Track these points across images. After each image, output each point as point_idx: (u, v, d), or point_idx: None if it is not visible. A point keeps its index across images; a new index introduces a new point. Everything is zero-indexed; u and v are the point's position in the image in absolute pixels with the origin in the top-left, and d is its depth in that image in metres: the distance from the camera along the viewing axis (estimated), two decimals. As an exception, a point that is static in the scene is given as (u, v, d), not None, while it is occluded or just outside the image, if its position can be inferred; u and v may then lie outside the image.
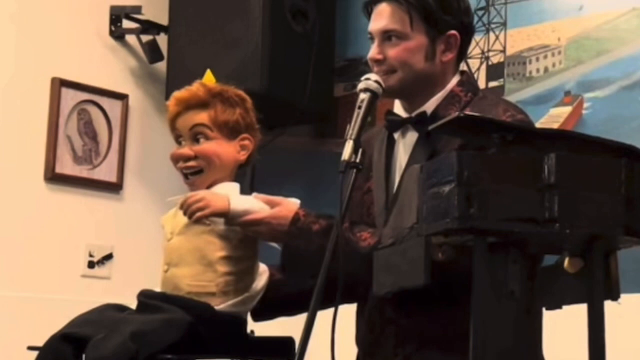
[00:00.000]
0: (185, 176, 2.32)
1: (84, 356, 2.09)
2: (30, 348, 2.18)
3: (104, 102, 4.13)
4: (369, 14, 2.39)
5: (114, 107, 4.15)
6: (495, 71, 3.69)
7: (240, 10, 3.83)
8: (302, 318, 2.06)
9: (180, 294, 2.22)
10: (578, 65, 3.51)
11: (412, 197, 1.69)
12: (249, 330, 2.29)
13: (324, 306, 2.04)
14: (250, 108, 2.35)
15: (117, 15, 4.18)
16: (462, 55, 2.40)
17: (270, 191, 2.41)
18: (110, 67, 4.18)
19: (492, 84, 3.69)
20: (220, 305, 2.22)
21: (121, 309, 2.24)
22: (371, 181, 2.41)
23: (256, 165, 3.82)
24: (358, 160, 2.15)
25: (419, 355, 2.25)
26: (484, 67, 3.71)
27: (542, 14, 3.61)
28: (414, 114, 2.35)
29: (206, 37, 3.89)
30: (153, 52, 4.17)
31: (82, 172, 4.04)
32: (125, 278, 3.99)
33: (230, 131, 2.31)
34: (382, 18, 2.34)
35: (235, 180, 2.35)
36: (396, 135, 2.39)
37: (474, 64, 3.69)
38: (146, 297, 2.24)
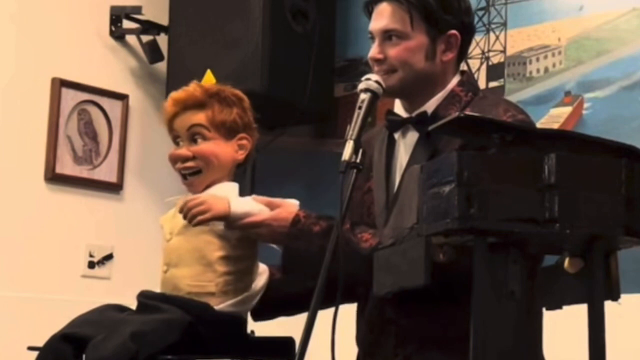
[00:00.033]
0: (184, 176, 2.33)
1: (83, 356, 2.09)
2: (30, 348, 2.18)
3: (104, 102, 4.13)
4: (369, 13, 2.39)
5: (114, 107, 4.15)
6: (495, 71, 3.69)
7: (240, 10, 3.83)
8: (302, 318, 2.06)
9: (180, 294, 2.22)
10: (578, 65, 3.51)
11: (412, 197, 1.69)
12: (249, 330, 2.29)
13: (324, 306, 2.04)
14: (248, 107, 2.35)
15: (117, 15, 4.18)
16: (463, 54, 2.40)
17: (270, 191, 2.41)
18: (110, 67, 4.18)
19: (492, 84, 3.69)
20: (220, 305, 2.22)
21: (121, 309, 2.25)
22: (371, 181, 2.41)
23: (256, 165, 3.86)
24: (358, 160, 2.15)
25: (419, 355, 2.25)
26: (484, 67, 3.71)
27: (542, 14, 3.61)
28: (414, 114, 2.35)
29: (206, 37, 3.89)
30: (153, 52, 4.17)
31: (82, 172, 4.04)
32: (125, 278, 4.00)
33: (228, 131, 2.31)
34: (382, 17, 2.34)
35: (235, 179, 2.35)
36: (396, 135, 2.39)
37: (474, 64, 3.69)
38: (145, 298, 2.24)
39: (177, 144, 2.34)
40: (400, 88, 2.34)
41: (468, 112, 2.16)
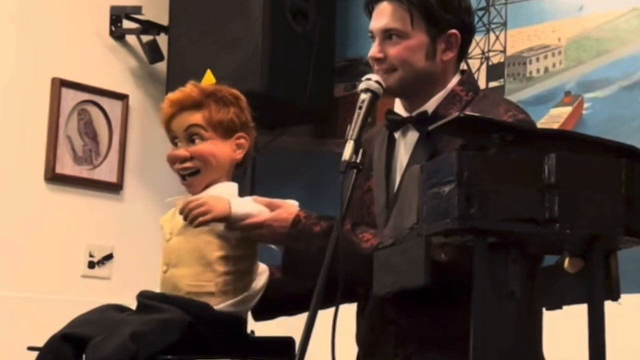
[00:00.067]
0: (182, 177, 2.33)
1: (83, 356, 2.09)
2: (30, 348, 2.18)
3: (104, 102, 4.13)
4: (369, 13, 2.39)
5: (114, 107, 4.15)
6: (495, 71, 3.69)
7: (240, 10, 3.83)
8: (302, 318, 2.06)
9: (180, 294, 2.22)
10: (578, 65, 3.51)
11: (412, 197, 1.69)
12: (249, 330, 2.29)
13: (324, 306, 2.04)
14: (245, 106, 2.35)
15: (117, 15, 4.18)
16: (463, 54, 2.40)
17: (270, 191, 2.42)
18: (110, 67, 4.18)
19: (492, 84, 3.69)
20: (220, 305, 2.22)
21: (121, 309, 2.24)
22: (371, 180, 2.41)
23: (256, 165, 3.86)
24: (358, 160, 2.15)
25: (419, 355, 2.25)
26: (484, 67, 3.71)
27: (542, 14, 3.61)
28: (414, 113, 2.35)
29: (206, 37, 3.89)
30: (153, 52, 4.17)
31: (82, 172, 4.04)
32: (125, 278, 4.00)
33: (225, 130, 2.31)
34: (382, 16, 2.34)
35: (234, 179, 2.35)
36: (396, 135, 2.39)
37: (474, 64, 3.69)
38: (145, 298, 2.24)
39: (175, 144, 2.34)
40: (400, 87, 2.34)
41: (468, 112, 2.16)
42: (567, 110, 3.50)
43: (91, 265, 4.03)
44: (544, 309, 1.80)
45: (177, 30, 4.00)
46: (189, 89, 2.33)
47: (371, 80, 2.28)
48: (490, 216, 1.58)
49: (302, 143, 4.21)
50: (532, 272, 1.71)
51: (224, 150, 2.31)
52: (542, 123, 3.44)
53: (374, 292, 1.85)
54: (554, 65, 3.56)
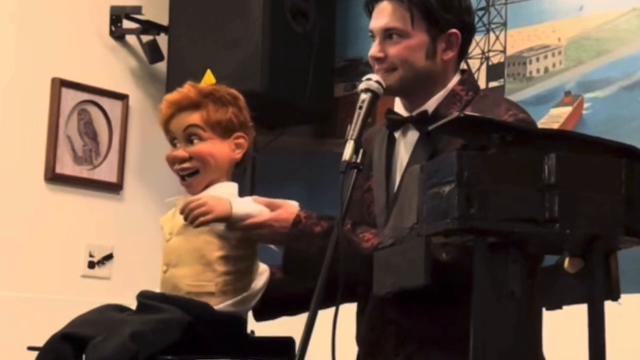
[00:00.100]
0: (182, 178, 2.33)
1: (83, 356, 2.09)
2: (30, 348, 2.18)
3: (104, 102, 4.13)
4: (369, 12, 2.39)
5: (114, 107, 4.15)
6: (495, 71, 3.69)
7: (240, 10, 3.83)
8: (303, 318, 2.06)
9: (180, 294, 2.22)
10: (578, 65, 3.51)
11: (412, 197, 1.69)
12: (249, 330, 2.29)
13: (324, 306, 2.04)
14: (243, 106, 2.35)
15: (117, 15, 4.18)
16: (463, 54, 2.40)
17: (271, 191, 2.42)
18: (110, 67, 4.18)
19: (492, 84, 3.69)
20: (219, 305, 2.22)
21: (121, 309, 2.25)
22: (371, 180, 2.41)
23: (256, 165, 3.86)
24: (359, 161, 2.15)
25: (420, 354, 2.25)
26: (484, 67, 3.71)
27: (542, 14, 3.61)
28: (414, 113, 2.35)
29: (206, 37, 3.89)
30: (153, 52, 4.17)
31: (82, 172, 4.04)
32: (125, 278, 4.00)
33: (224, 130, 2.31)
34: (383, 16, 2.34)
35: (234, 179, 2.35)
36: (397, 134, 2.39)
37: (474, 64, 3.69)
38: (145, 298, 2.24)
39: (174, 145, 2.34)
40: (401, 87, 2.34)
41: (468, 112, 2.16)
42: (567, 110, 3.50)
43: (91, 265, 4.03)
44: (544, 309, 1.80)
45: (177, 30, 4.00)
46: (186, 89, 2.33)
47: (371, 80, 2.28)
48: (490, 216, 1.58)
49: (302, 143, 4.21)
50: (532, 272, 1.71)
51: (222, 150, 2.31)
52: (542, 123, 3.44)
53: (374, 292, 1.85)
54: (554, 65, 3.56)
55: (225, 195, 2.27)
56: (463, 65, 2.44)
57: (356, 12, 3.98)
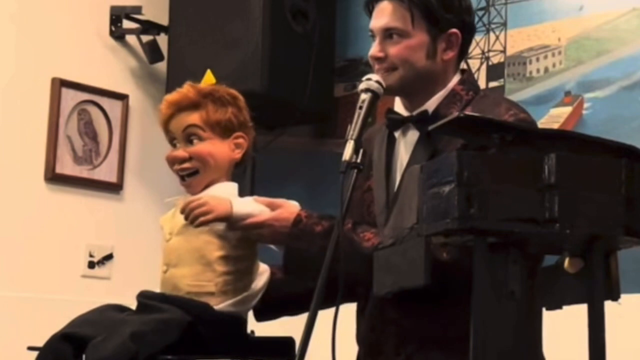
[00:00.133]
0: (181, 178, 2.33)
1: (83, 356, 2.09)
2: (30, 348, 2.18)
3: (104, 102, 4.13)
4: (370, 12, 2.39)
5: (114, 107, 4.15)
6: (495, 71, 3.69)
7: (240, 10, 3.83)
8: (303, 318, 2.06)
9: (180, 294, 2.22)
10: (578, 65, 3.51)
11: (412, 197, 1.69)
12: (249, 330, 2.29)
13: (324, 306, 2.04)
14: (243, 106, 2.35)
15: (117, 15, 4.18)
16: (463, 53, 2.40)
17: (271, 191, 2.41)
18: (110, 67, 4.18)
19: (492, 84, 3.69)
20: (220, 305, 2.22)
21: (121, 309, 2.25)
22: (371, 179, 2.41)
23: (256, 165, 3.86)
24: (359, 160, 2.15)
25: (420, 355, 2.25)
26: (484, 67, 3.71)
27: (542, 14, 3.61)
28: (414, 113, 2.35)
29: (206, 37, 3.89)
30: (153, 52, 4.17)
31: (82, 172, 4.04)
32: (125, 278, 4.00)
33: (223, 130, 2.31)
34: (383, 15, 2.34)
35: (234, 179, 2.35)
36: (397, 134, 2.39)
37: (474, 64, 3.69)
38: (145, 298, 2.24)
39: (174, 145, 2.34)
40: (401, 86, 2.34)
41: (469, 112, 2.16)
42: (567, 110, 3.50)
43: (91, 265, 4.03)
44: (544, 309, 1.80)
45: (177, 30, 4.00)
46: (186, 89, 2.33)
47: (371, 80, 2.28)
48: (490, 216, 1.58)
49: (302, 143, 4.21)
50: (532, 272, 1.71)
51: (222, 150, 2.31)
52: (542, 123, 3.44)
53: (374, 292, 1.85)
54: (554, 65, 3.56)
55: (225, 195, 2.27)
56: (463, 65, 2.44)
57: (356, 12, 3.99)
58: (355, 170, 2.16)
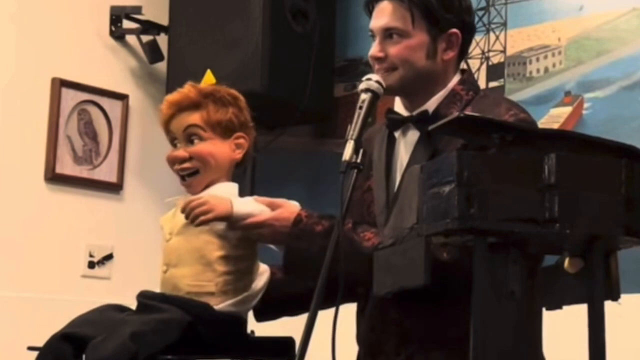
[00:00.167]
0: (182, 178, 2.33)
1: (83, 356, 2.09)
2: (30, 348, 2.18)
3: (104, 102, 4.13)
4: (370, 12, 2.39)
5: (114, 107, 4.15)
6: (495, 71, 3.69)
7: (240, 10, 3.83)
8: (303, 318, 2.06)
9: (180, 293, 2.22)
10: (578, 65, 3.51)
11: (412, 197, 1.69)
12: (249, 330, 2.29)
13: (324, 306, 2.04)
14: (244, 106, 2.36)
15: (117, 15, 4.18)
16: (463, 53, 2.40)
17: (271, 191, 2.41)
18: (110, 67, 4.18)
19: (492, 84, 3.69)
20: (220, 305, 2.22)
21: (121, 309, 2.25)
22: (371, 179, 2.41)
23: (256, 165, 3.86)
24: (359, 161, 2.15)
25: (420, 355, 2.25)
26: (484, 67, 3.71)
27: (542, 14, 3.61)
28: (414, 113, 2.35)
29: (206, 37, 3.89)
30: (153, 52, 4.17)
31: (82, 172, 4.04)
32: (125, 278, 4.00)
33: (224, 130, 2.31)
34: (383, 15, 2.34)
35: (235, 179, 2.36)
36: (397, 134, 2.39)
37: (474, 64, 3.69)
38: (145, 298, 2.24)
39: (174, 145, 2.34)
40: (401, 86, 2.34)
41: (469, 112, 2.16)
42: (567, 110, 3.50)
43: (91, 265, 4.03)
44: (544, 309, 1.80)
45: (177, 30, 4.00)
46: (186, 89, 2.33)
47: (371, 80, 2.28)
48: (490, 216, 1.58)
49: (302, 143, 4.21)
50: (532, 272, 1.71)
51: (222, 150, 2.31)
52: (542, 123, 3.44)
53: (374, 292, 1.85)
54: (554, 65, 3.56)
55: (225, 195, 2.27)
56: (463, 65, 2.44)
57: (356, 12, 3.99)
58: (355, 170, 2.16)
